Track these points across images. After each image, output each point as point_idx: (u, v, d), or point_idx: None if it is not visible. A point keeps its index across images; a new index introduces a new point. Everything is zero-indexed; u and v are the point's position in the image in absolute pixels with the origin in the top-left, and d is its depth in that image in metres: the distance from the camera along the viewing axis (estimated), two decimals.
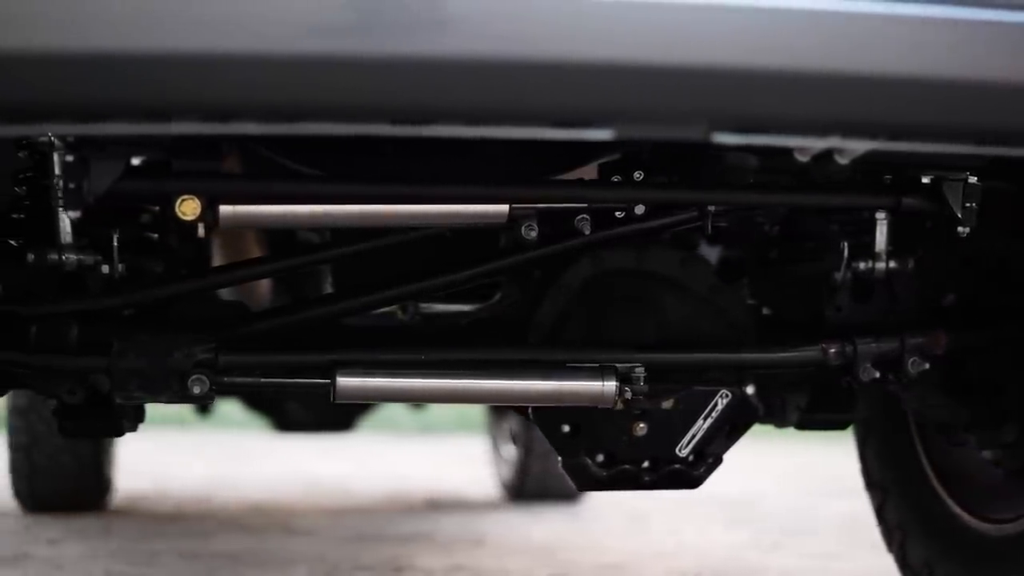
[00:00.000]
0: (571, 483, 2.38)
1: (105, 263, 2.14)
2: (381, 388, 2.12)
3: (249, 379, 2.11)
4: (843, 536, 4.48)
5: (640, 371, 2.19)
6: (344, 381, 2.09)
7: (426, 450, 8.82)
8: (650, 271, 2.37)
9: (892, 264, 2.32)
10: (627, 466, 2.35)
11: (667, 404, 2.31)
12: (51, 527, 4.64)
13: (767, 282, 2.60)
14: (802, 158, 1.78)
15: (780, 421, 2.61)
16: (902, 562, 2.80)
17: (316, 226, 2.10)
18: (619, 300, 2.35)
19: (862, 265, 2.32)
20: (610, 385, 2.17)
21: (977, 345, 2.48)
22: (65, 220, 2.06)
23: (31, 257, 2.11)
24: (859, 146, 1.63)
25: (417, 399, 2.19)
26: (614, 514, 5.18)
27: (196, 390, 2.06)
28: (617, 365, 2.19)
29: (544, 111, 1.41)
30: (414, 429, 10.22)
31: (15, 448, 4.94)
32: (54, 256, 2.10)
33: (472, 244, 2.32)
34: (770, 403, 2.64)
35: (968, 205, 2.08)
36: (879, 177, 2.12)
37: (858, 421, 2.97)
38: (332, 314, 2.18)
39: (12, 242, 2.22)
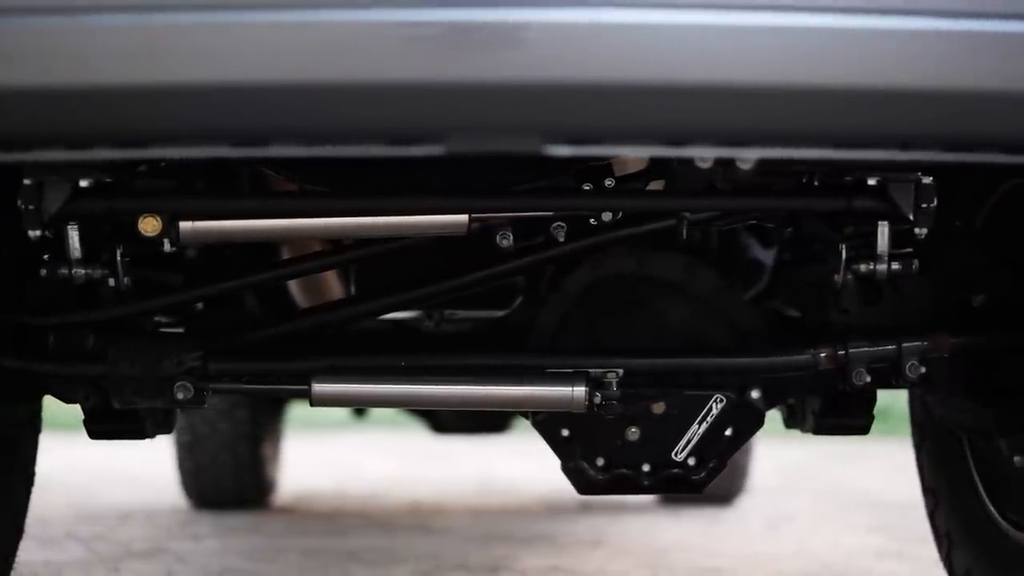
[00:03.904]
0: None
1: (111, 276, 2.27)
2: (355, 394, 2.20)
3: (233, 385, 2.23)
4: None
5: (612, 376, 2.22)
6: (319, 387, 2.19)
7: None
8: (652, 276, 2.39)
9: (895, 266, 2.28)
10: (625, 470, 2.37)
11: (658, 409, 2.33)
12: (204, 523, 4.88)
13: (786, 285, 2.59)
14: (703, 165, 1.79)
15: (800, 426, 2.59)
16: (949, 569, 2.74)
17: (275, 240, 2.20)
18: (619, 305, 2.38)
19: (863, 267, 2.28)
20: (579, 390, 2.20)
21: (1003, 346, 2.42)
22: (73, 236, 2.19)
23: (43, 272, 2.26)
24: (713, 153, 1.63)
25: (390, 404, 2.27)
26: (757, 517, 5.14)
27: (180, 396, 2.19)
28: (590, 370, 2.22)
29: (375, 130, 1.47)
30: None
31: (180, 447, 5.22)
32: (64, 270, 2.25)
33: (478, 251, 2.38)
34: (791, 408, 2.63)
35: (924, 206, 2.03)
36: (839, 180, 2.09)
37: (915, 425, 2.91)
38: (318, 324, 2.27)
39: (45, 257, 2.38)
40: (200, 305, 2.56)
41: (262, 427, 5.31)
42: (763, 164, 1.79)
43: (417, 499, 5.82)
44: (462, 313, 2.69)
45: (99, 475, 6.71)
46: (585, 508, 5.51)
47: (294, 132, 1.47)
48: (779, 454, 7.68)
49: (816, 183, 2.09)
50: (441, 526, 4.82)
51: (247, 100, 1.44)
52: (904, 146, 1.54)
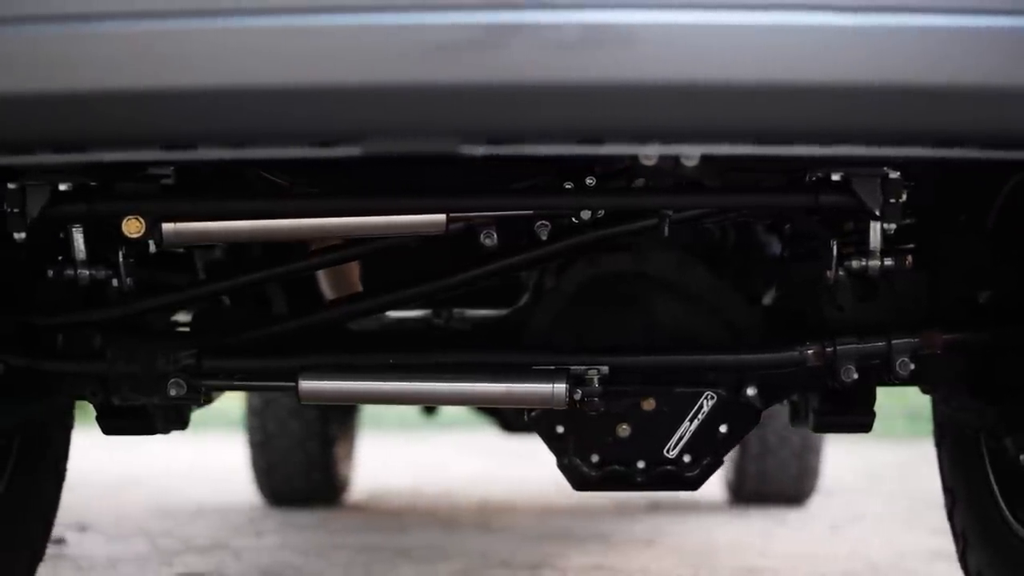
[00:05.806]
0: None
1: (115, 277, 2.33)
2: (339, 390, 2.25)
3: (226, 382, 2.29)
4: None
5: (594, 373, 2.23)
6: (306, 384, 2.24)
7: None
8: (646, 273, 2.41)
9: (888, 262, 2.26)
10: (618, 467, 2.38)
11: (648, 406, 2.35)
12: (273, 520, 4.98)
13: (787, 282, 2.58)
14: (647, 162, 1.80)
15: (804, 423, 2.58)
16: (964, 569, 2.71)
17: (255, 240, 2.25)
18: (612, 302, 2.40)
19: (855, 264, 2.27)
20: (560, 387, 2.22)
21: (1007, 343, 2.38)
22: (78, 238, 2.26)
23: (51, 273, 2.33)
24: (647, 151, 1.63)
25: (374, 401, 2.31)
26: (825, 518, 5.09)
27: (173, 392, 2.25)
28: (571, 367, 2.24)
29: (294, 132, 1.51)
30: None
31: (253, 446, 5.33)
32: (70, 271, 2.32)
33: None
34: (794, 405, 2.62)
35: (892, 201, 2.01)
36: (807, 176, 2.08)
37: (936, 424, 2.87)
38: (310, 324, 2.32)
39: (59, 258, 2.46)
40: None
41: (334, 426, 5.40)
42: (716, 162, 1.78)
43: (486, 498, 5.86)
44: (471, 312, 2.72)
45: (188, 474, 6.86)
46: (653, 508, 5.50)
47: (217, 135, 1.51)
48: (870, 455, 7.60)
49: (784, 179, 2.09)
50: (501, 524, 4.85)
51: (170, 104, 1.49)
52: (820, 141, 1.54)
